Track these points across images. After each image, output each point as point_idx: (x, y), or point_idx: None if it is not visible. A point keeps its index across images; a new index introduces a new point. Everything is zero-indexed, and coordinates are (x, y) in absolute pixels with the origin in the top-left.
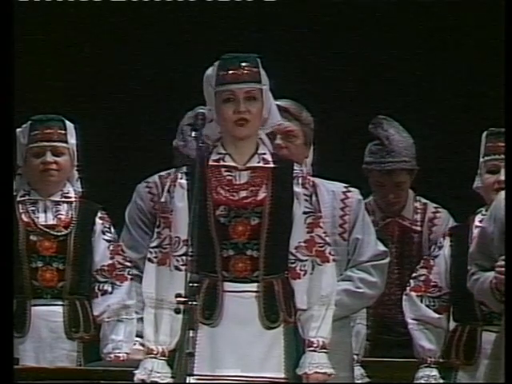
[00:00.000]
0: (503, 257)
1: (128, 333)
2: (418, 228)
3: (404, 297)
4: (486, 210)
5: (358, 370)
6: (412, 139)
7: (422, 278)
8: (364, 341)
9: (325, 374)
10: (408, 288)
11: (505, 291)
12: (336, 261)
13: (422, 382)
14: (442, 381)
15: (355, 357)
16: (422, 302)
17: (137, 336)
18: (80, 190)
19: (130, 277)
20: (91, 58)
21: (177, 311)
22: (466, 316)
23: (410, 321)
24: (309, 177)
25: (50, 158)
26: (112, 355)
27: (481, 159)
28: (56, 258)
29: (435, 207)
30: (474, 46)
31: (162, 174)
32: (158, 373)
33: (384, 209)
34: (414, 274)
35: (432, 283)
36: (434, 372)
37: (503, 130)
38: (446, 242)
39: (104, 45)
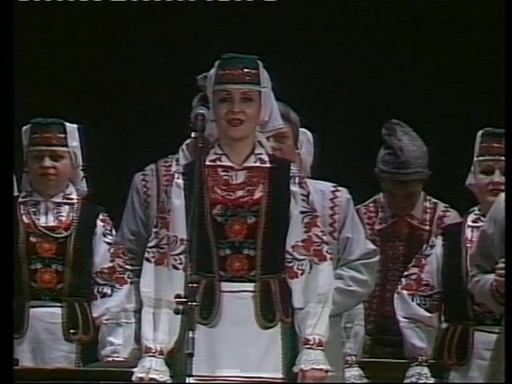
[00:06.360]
0: (503, 259)
1: (127, 337)
2: (427, 227)
3: (395, 295)
4: (479, 210)
5: (357, 371)
6: (425, 146)
7: (414, 277)
8: (362, 342)
9: (321, 370)
10: (399, 286)
11: (505, 293)
12: (333, 259)
13: (413, 380)
14: (432, 379)
15: (354, 358)
16: (413, 300)
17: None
18: (85, 189)
19: (130, 280)
20: (92, 59)
21: (176, 312)
22: (458, 316)
23: (401, 319)
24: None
25: (48, 162)
26: (110, 358)
27: (475, 158)
28: (55, 259)
29: (445, 207)
30: (475, 45)
31: (160, 161)
32: (157, 371)
33: (394, 209)
34: (405, 273)
35: (423, 282)
36: (425, 370)
37: (498, 130)
38: (439, 241)
39: (104, 45)
